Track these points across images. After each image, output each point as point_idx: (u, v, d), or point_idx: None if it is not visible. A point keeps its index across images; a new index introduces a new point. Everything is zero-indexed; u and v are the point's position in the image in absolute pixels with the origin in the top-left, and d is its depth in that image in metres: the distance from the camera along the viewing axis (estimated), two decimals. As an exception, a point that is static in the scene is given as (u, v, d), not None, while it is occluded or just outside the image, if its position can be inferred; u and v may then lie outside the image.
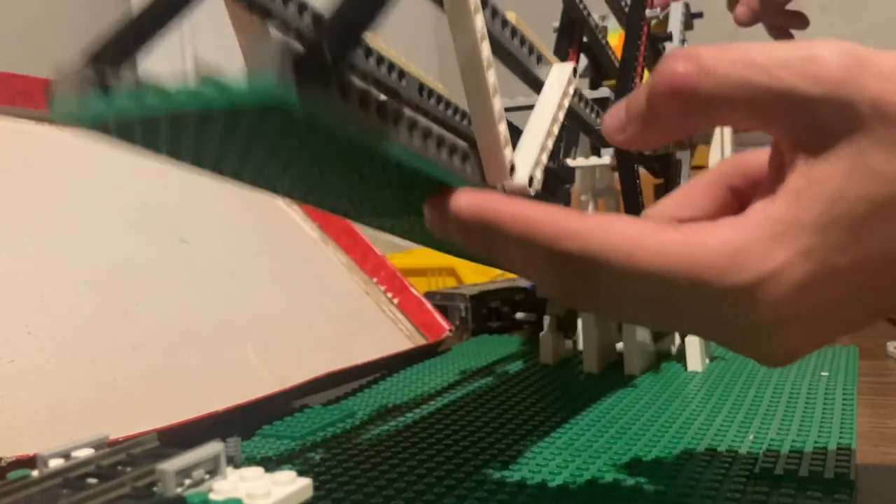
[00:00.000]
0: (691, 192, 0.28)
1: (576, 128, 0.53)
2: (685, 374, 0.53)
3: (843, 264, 0.22)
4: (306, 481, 0.21)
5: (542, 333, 0.60)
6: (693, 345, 0.54)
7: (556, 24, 0.47)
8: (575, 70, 0.37)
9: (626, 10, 0.52)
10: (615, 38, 0.53)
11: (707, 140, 0.57)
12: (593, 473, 0.35)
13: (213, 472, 0.21)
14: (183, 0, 0.24)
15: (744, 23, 0.73)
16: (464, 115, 0.37)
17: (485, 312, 0.75)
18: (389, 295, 0.69)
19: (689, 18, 0.62)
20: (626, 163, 0.50)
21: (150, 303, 0.50)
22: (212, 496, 0.20)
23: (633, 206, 0.51)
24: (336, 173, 0.27)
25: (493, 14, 0.33)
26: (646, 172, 0.55)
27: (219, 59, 0.20)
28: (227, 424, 0.42)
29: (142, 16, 0.24)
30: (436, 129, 0.25)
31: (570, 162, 0.53)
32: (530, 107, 0.35)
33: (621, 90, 0.49)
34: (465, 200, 0.25)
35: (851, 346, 0.58)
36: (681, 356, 0.56)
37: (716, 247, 0.22)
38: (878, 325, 0.69)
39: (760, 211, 0.22)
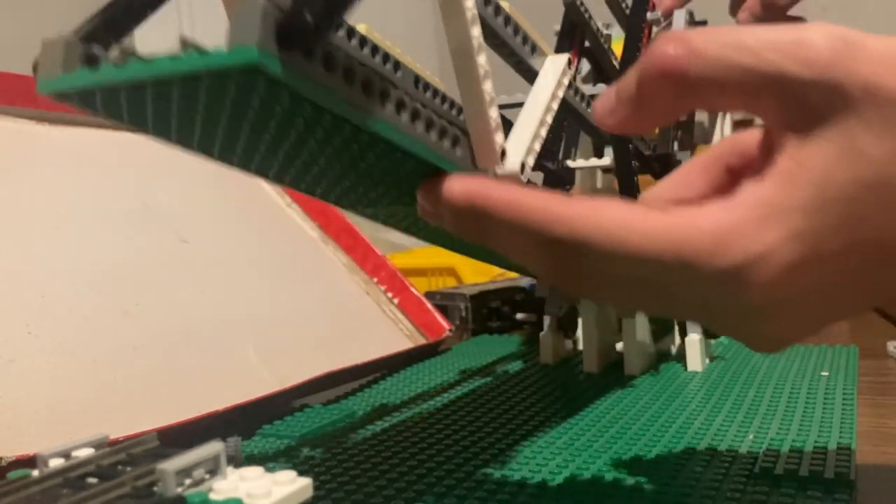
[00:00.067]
0: (688, 173, 0.28)
1: (576, 127, 0.53)
2: (685, 374, 0.53)
3: (833, 247, 0.22)
4: (306, 481, 0.21)
5: (542, 333, 0.60)
6: (693, 345, 0.54)
7: (558, 27, 0.47)
8: (570, 61, 0.37)
9: (628, 13, 0.52)
10: (619, 46, 0.53)
11: (707, 140, 0.57)
12: (593, 473, 0.35)
13: (214, 471, 0.21)
14: None
15: None
16: (461, 110, 0.37)
17: (485, 312, 0.75)
18: (390, 295, 0.69)
19: (693, 25, 0.62)
20: (622, 155, 0.50)
21: (150, 303, 0.50)
22: (212, 496, 0.20)
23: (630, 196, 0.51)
24: (325, 154, 0.27)
25: (486, 0, 0.33)
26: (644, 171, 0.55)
27: (216, 38, 0.20)
28: (227, 424, 0.42)
29: None
30: (425, 111, 0.25)
31: (570, 163, 0.53)
32: None
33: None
34: (459, 186, 0.25)
35: (851, 346, 0.58)
36: (681, 356, 0.56)
37: (704, 229, 0.22)
38: (878, 324, 0.69)
39: (750, 193, 0.22)
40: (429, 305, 0.68)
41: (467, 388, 0.53)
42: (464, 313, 0.74)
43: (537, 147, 0.32)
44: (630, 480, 0.34)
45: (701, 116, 0.62)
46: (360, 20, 0.32)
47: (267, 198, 0.71)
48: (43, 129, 0.57)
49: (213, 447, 0.21)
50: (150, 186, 0.60)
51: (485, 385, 0.53)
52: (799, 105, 0.22)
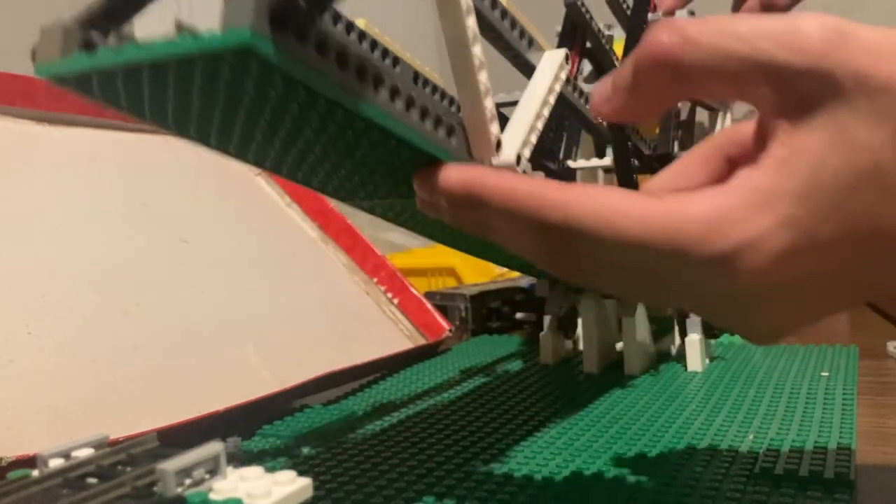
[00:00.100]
0: (688, 164, 0.28)
1: (576, 127, 0.53)
2: (685, 374, 0.53)
3: (826, 235, 0.22)
4: (306, 481, 0.21)
5: (542, 333, 0.60)
6: (693, 345, 0.54)
7: (559, 28, 0.47)
8: (567, 56, 0.37)
9: (629, 13, 0.52)
10: (621, 47, 0.53)
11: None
12: (593, 474, 0.35)
13: (214, 471, 0.21)
14: None
15: None
16: (460, 108, 0.38)
17: (485, 312, 0.75)
18: (389, 295, 0.69)
19: None
20: (621, 152, 0.50)
21: (150, 303, 0.50)
22: (212, 496, 0.20)
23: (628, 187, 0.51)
24: (321, 143, 0.27)
25: None
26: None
27: (213, 25, 0.20)
28: (227, 424, 0.42)
29: None
30: (420, 100, 0.26)
31: (571, 163, 0.53)
32: None
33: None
34: (455, 174, 0.25)
35: (851, 346, 0.58)
36: (681, 356, 0.56)
37: (696, 215, 0.22)
38: (878, 324, 0.69)
39: (742, 180, 0.23)
40: (429, 305, 0.68)
41: (467, 388, 0.53)
42: (464, 313, 0.74)
43: (533, 139, 0.32)
44: (630, 480, 0.34)
45: (701, 116, 0.62)
46: (359, 17, 0.32)
47: (267, 198, 0.71)
48: (43, 129, 0.57)
49: (213, 447, 0.21)
50: (150, 186, 0.60)
51: (485, 385, 0.53)
52: (791, 93, 0.22)
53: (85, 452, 0.22)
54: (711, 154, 0.28)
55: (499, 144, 0.29)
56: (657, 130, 0.55)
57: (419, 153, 0.26)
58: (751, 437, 0.39)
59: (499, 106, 0.31)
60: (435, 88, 0.36)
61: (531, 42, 0.37)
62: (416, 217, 0.37)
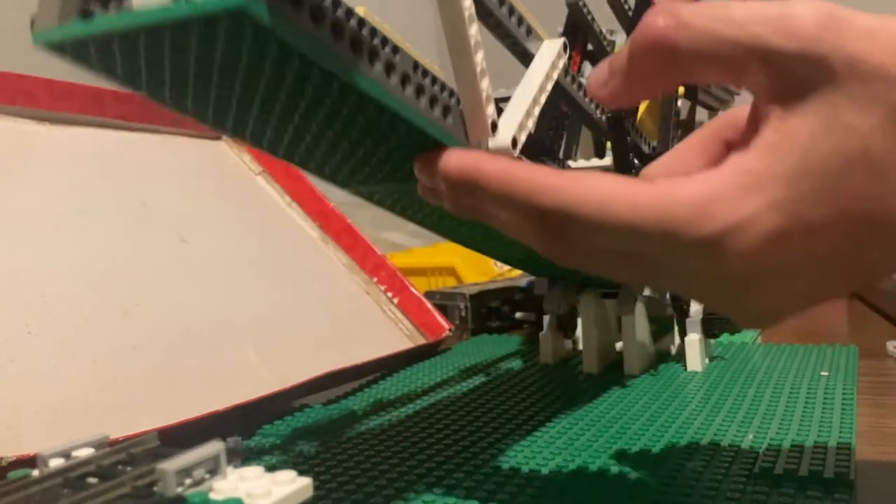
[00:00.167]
0: (687, 149, 0.28)
1: (576, 126, 0.53)
2: (685, 374, 0.53)
3: (815, 218, 0.22)
4: (306, 481, 0.21)
5: (541, 333, 0.60)
6: (693, 345, 0.54)
7: (561, 28, 0.47)
8: (566, 45, 0.37)
9: (630, 14, 0.52)
10: None
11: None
12: (593, 473, 0.35)
13: (214, 471, 0.21)
14: None
15: None
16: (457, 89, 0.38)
17: (484, 312, 0.75)
18: (390, 294, 0.69)
19: None
20: (620, 147, 0.50)
21: (150, 303, 0.50)
22: (212, 496, 0.20)
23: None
24: (317, 120, 0.27)
25: None
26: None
27: None
28: (227, 424, 0.42)
29: None
30: (415, 76, 0.26)
31: (571, 163, 0.53)
32: None
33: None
34: (455, 159, 0.26)
35: (851, 346, 0.58)
36: (680, 356, 0.56)
37: (686, 198, 0.22)
38: (878, 324, 0.69)
39: (733, 163, 0.23)
40: (428, 305, 0.68)
41: (467, 387, 0.53)
42: (463, 313, 0.74)
43: (530, 125, 0.32)
44: (630, 480, 0.34)
45: (701, 116, 0.62)
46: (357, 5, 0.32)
47: (267, 198, 0.71)
48: (43, 129, 0.57)
49: (213, 447, 0.21)
50: (150, 186, 0.60)
51: (485, 385, 0.53)
52: (784, 77, 0.22)
53: (85, 452, 0.22)
54: (710, 139, 0.28)
55: (494, 126, 0.29)
56: (657, 130, 0.55)
57: (415, 133, 0.27)
58: (750, 436, 0.39)
59: (499, 101, 0.31)
60: (435, 79, 0.37)
61: (529, 30, 0.37)
62: (414, 205, 0.37)
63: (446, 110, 0.28)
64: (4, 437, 0.37)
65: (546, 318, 0.60)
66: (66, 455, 0.22)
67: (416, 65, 0.34)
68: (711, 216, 0.22)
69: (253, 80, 0.24)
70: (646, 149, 0.54)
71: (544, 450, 0.39)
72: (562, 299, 0.56)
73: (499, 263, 0.94)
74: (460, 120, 0.29)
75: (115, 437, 0.24)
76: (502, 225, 0.27)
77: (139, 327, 0.48)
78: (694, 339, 0.54)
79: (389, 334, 0.65)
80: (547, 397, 0.49)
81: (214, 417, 0.42)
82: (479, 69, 0.28)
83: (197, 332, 0.50)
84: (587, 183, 0.24)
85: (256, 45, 0.22)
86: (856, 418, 0.41)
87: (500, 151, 0.29)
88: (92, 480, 0.21)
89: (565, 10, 0.46)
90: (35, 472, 0.21)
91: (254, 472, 0.21)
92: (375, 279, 0.70)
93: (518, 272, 0.90)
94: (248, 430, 0.44)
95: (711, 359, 0.57)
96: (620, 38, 0.55)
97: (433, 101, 0.27)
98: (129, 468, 0.21)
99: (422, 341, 0.66)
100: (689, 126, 0.59)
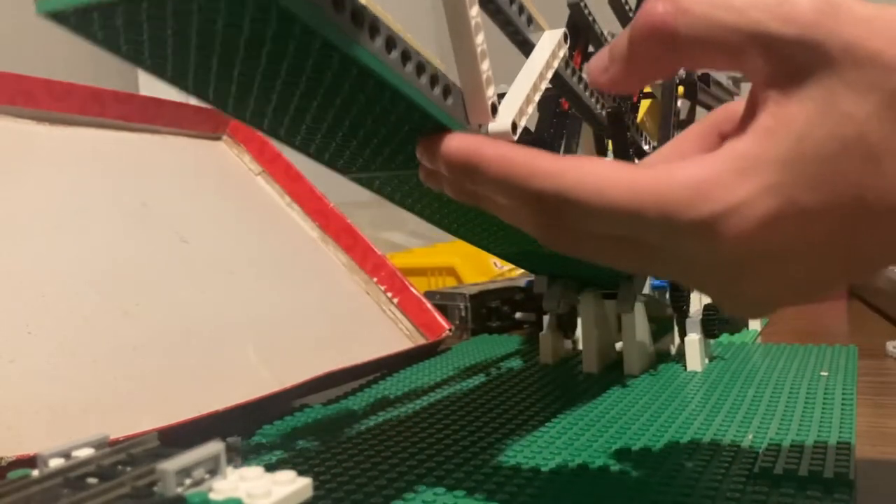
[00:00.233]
0: (684, 140, 0.29)
1: (576, 125, 0.53)
2: (685, 373, 0.53)
3: (810, 204, 0.22)
4: (306, 481, 0.21)
5: (541, 333, 0.60)
6: (692, 345, 0.54)
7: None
8: (566, 35, 0.37)
9: (631, 15, 0.52)
10: None
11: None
12: (593, 473, 0.35)
13: (214, 471, 0.21)
14: None
15: None
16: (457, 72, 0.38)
17: (484, 312, 0.75)
18: (389, 294, 0.69)
19: None
20: (620, 143, 0.50)
21: (150, 303, 0.50)
22: (212, 496, 0.20)
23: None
24: (317, 98, 0.27)
25: None
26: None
27: None
28: (227, 424, 0.42)
29: None
30: (416, 54, 0.26)
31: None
32: None
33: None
34: (456, 142, 0.26)
35: (851, 346, 0.58)
36: (680, 356, 0.56)
37: (682, 180, 0.23)
38: (878, 324, 0.69)
39: (730, 147, 0.23)
40: (428, 305, 0.68)
41: (467, 387, 0.53)
42: (463, 313, 0.74)
43: (529, 111, 0.32)
44: (630, 480, 0.34)
45: (701, 115, 0.62)
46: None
47: (267, 198, 0.72)
48: (43, 129, 0.57)
49: (213, 447, 0.21)
50: (150, 186, 0.60)
51: (484, 385, 0.53)
52: (782, 63, 0.22)
53: (85, 452, 0.22)
54: (707, 131, 0.28)
55: (494, 109, 0.29)
56: (657, 129, 0.55)
57: (416, 112, 0.27)
58: (750, 436, 0.39)
59: (498, 97, 0.31)
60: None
61: (530, 19, 0.37)
62: (414, 193, 0.37)
63: (447, 91, 0.28)
64: (4, 437, 0.37)
65: (546, 318, 0.60)
66: (66, 455, 0.22)
67: (416, 53, 0.35)
68: (707, 198, 0.22)
69: (254, 54, 0.24)
70: (646, 147, 0.54)
71: (544, 450, 0.39)
72: (561, 298, 0.56)
73: (499, 263, 0.94)
74: (461, 102, 0.29)
75: (115, 437, 0.24)
76: (501, 210, 0.27)
77: (139, 327, 0.48)
78: (694, 339, 0.54)
79: (389, 334, 0.65)
80: (547, 397, 0.49)
81: (214, 417, 0.42)
82: (479, 50, 0.28)
83: (197, 332, 0.50)
84: (586, 167, 0.24)
85: (258, 13, 0.22)
86: (855, 418, 0.41)
87: (500, 135, 0.29)
88: (92, 480, 0.21)
89: (566, 11, 0.46)
90: (35, 472, 0.21)
91: (254, 472, 0.21)
92: (375, 279, 0.70)
93: (518, 272, 0.90)
94: (248, 430, 0.44)
95: (711, 359, 0.57)
96: None
97: (434, 80, 0.27)
98: (129, 468, 0.21)
99: (422, 341, 0.66)
100: (689, 124, 0.59)
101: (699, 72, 0.61)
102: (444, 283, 0.94)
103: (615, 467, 0.36)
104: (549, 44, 0.36)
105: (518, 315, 0.74)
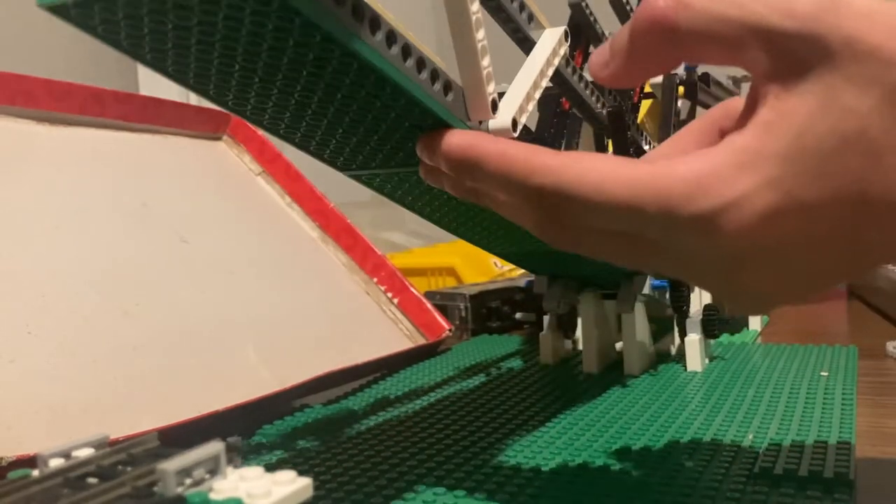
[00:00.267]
0: (683, 137, 0.29)
1: (576, 125, 0.53)
2: (685, 374, 0.53)
3: (811, 198, 0.22)
4: (306, 481, 0.21)
5: (541, 333, 0.60)
6: (693, 345, 0.54)
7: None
8: (566, 33, 0.37)
9: (631, 13, 0.52)
10: None
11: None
12: (593, 473, 0.35)
13: (214, 471, 0.21)
14: None
15: None
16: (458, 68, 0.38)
17: (484, 312, 0.75)
18: (389, 295, 0.69)
19: None
20: (620, 141, 0.50)
21: (150, 303, 0.50)
22: (212, 496, 0.20)
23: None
24: (317, 94, 0.27)
25: None
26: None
27: None
28: (227, 424, 0.42)
29: None
30: (416, 50, 0.26)
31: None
32: None
33: (623, 91, 0.49)
34: (457, 139, 0.26)
35: (851, 347, 0.58)
36: (680, 356, 0.56)
37: (682, 174, 0.23)
38: (878, 324, 0.69)
39: (730, 141, 0.23)
40: (428, 305, 0.68)
41: (467, 388, 0.53)
42: (463, 313, 0.74)
43: (530, 108, 0.33)
44: (630, 480, 0.34)
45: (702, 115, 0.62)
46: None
47: (267, 198, 0.72)
48: (43, 129, 0.57)
49: (213, 447, 0.21)
50: (150, 186, 0.60)
51: (485, 385, 0.53)
52: (782, 56, 0.22)
53: (85, 452, 0.22)
54: (707, 127, 0.28)
55: (495, 105, 0.30)
56: (658, 130, 0.55)
57: (416, 108, 0.27)
58: (750, 436, 0.39)
59: (501, 96, 0.31)
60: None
61: (531, 17, 0.37)
62: (414, 191, 0.37)
63: (447, 87, 0.28)
64: (4, 437, 0.37)
65: (546, 318, 0.60)
66: (66, 455, 0.22)
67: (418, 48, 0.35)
68: (707, 192, 0.22)
69: (254, 48, 0.24)
70: (646, 147, 0.54)
71: (544, 450, 0.39)
72: (561, 298, 0.56)
73: (499, 263, 0.94)
74: (461, 98, 0.29)
75: (115, 437, 0.24)
76: (501, 207, 0.27)
77: (139, 327, 0.48)
78: (694, 340, 0.54)
79: (389, 334, 0.65)
80: (547, 397, 0.49)
81: (214, 417, 0.42)
82: (480, 46, 0.28)
83: (197, 332, 0.50)
84: (585, 163, 0.24)
85: (259, 6, 0.22)
86: (855, 418, 0.41)
87: (500, 132, 0.30)
88: (92, 480, 0.21)
89: (567, 10, 0.46)
90: (35, 472, 0.21)
91: (254, 472, 0.21)
92: (375, 279, 0.70)
93: (518, 272, 0.90)
94: (248, 430, 0.44)
95: (711, 359, 0.57)
96: None
97: (434, 76, 0.27)
98: (129, 468, 0.21)
99: (422, 341, 0.66)
100: (688, 125, 0.59)
101: (699, 72, 0.61)
102: (444, 284, 0.94)
103: (615, 467, 0.36)
104: (550, 42, 0.36)
105: (518, 315, 0.74)
